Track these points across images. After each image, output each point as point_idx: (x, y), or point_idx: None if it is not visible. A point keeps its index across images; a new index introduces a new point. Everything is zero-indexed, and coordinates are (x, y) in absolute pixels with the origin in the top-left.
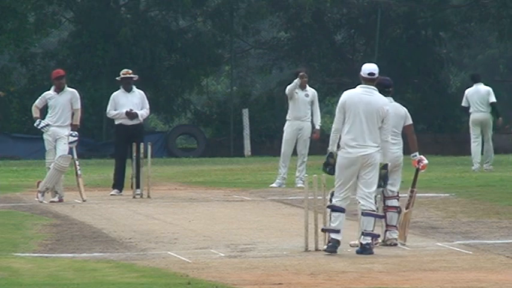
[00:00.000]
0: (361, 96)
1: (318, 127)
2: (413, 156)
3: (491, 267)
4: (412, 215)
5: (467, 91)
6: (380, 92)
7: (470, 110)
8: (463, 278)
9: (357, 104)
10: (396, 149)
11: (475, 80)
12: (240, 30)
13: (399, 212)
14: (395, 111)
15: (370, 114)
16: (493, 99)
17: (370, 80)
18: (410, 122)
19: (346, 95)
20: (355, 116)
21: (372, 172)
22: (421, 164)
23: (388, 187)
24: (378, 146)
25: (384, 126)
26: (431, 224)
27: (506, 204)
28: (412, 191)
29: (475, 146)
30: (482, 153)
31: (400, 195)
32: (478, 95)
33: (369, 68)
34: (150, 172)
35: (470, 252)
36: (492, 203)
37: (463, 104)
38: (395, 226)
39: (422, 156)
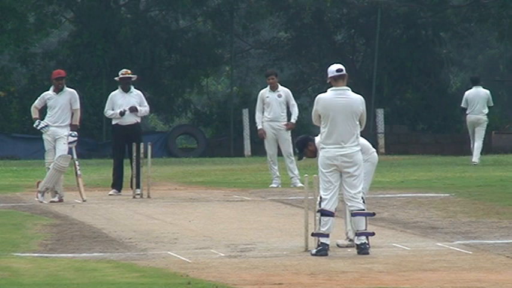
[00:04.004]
0: (335, 101)
1: (292, 120)
2: None
3: (491, 267)
4: (411, 215)
5: (467, 93)
6: None
7: (468, 111)
8: (463, 278)
9: (332, 109)
10: None
11: (474, 82)
12: (240, 30)
13: None
14: None
15: (347, 116)
16: (491, 103)
17: (340, 78)
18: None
19: (320, 103)
20: (332, 120)
21: (355, 173)
22: None
23: None
24: (357, 146)
25: (360, 124)
26: (431, 224)
27: (506, 204)
28: None
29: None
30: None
31: (399, 195)
32: (479, 98)
33: (335, 66)
34: (150, 172)
35: (470, 252)
36: (492, 203)
37: (462, 105)
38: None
39: None
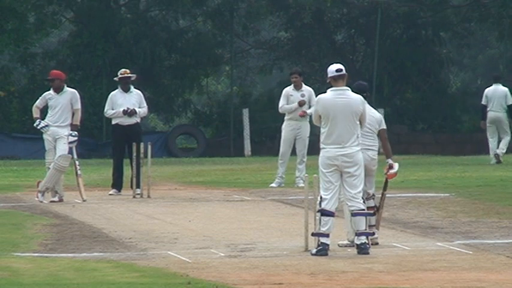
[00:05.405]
0: (335, 101)
1: (307, 111)
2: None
3: (491, 267)
4: (411, 215)
5: (486, 90)
6: None
7: (488, 108)
8: (463, 278)
9: (332, 109)
10: (372, 154)
11: (495, 79)
12: (240, 30)
13: (377, 211)
14: (371, 114)
15: (347, 116)
16: (510, 101)
17: (339, 78)
18: (384, 127)
19: (320, 104)
20: (333, 120)
21: (355, 173)
22: (390, 172)
23: (364, 188)
24: (358, 145)
25: (361, 124)
26: (431, 224)
27: (506, 204)
28: (382, 194)
29: (492, 141)
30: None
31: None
32: (496, 95)
33: (335, 66)
34: (150, 172)
35: (470, 252)
36: (492, 203)
37: (483, 102)
38: (374, 225)
39: (395, 163)
